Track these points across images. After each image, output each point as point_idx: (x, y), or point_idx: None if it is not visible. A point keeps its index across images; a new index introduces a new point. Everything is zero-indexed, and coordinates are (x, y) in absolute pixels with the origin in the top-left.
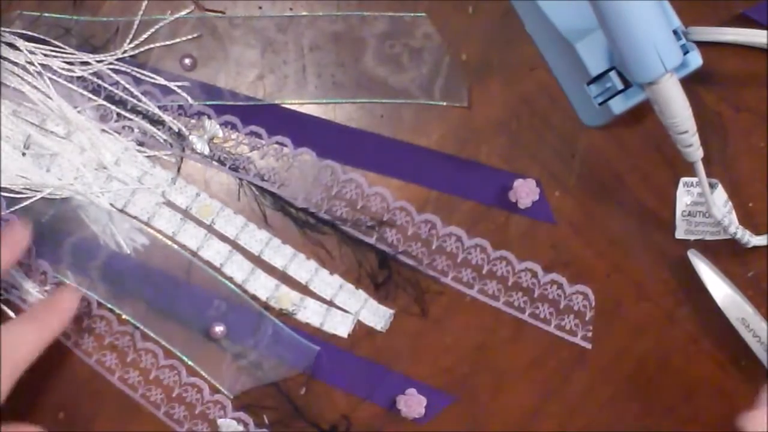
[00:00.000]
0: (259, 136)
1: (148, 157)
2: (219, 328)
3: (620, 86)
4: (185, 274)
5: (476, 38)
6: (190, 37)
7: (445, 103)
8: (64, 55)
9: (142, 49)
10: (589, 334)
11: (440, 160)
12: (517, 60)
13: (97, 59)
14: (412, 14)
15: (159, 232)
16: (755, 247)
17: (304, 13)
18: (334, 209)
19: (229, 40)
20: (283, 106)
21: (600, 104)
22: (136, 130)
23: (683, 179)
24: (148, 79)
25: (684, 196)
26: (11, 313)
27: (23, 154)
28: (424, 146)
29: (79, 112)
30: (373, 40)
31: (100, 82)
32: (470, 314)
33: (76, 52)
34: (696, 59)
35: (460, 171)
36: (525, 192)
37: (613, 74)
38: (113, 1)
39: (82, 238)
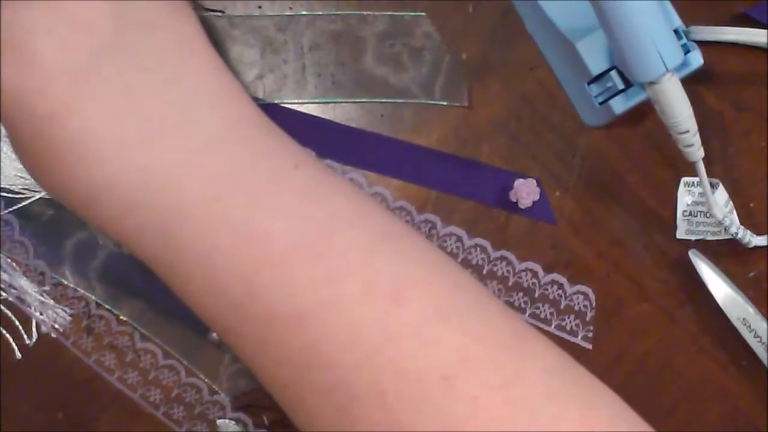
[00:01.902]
0: None
1: None
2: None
3: (621, 86)
4: None
5: (476, 37)
6: None
7: (445, 103)
8: None
9: None
10: (590, 335)
11: (440, 160)
12: (517, 59)
13: None
14: (412, 14)
15: None
16: (756, 247)
17: (304, 13)
18: None
19: (229, 39)
20: (283, 105)
21: (600, 104)
22: None
23: (684, 179)
24: None
25: (685, 196)
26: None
27: None
28: (424, 146)
29: None
30: (373, 39)
31: None
32: None
33: None
34: (697, 59)
35: (460, 171)
36: (525, 192)
37: (613, 74)
38: None
39: (82, 238)
